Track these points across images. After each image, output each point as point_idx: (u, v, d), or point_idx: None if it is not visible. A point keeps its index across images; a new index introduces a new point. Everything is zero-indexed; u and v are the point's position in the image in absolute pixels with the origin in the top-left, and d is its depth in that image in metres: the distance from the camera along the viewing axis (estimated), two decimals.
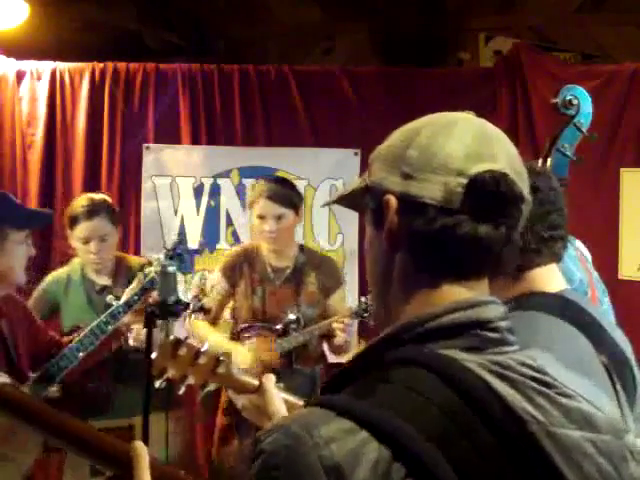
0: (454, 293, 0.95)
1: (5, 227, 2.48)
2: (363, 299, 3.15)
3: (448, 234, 0.93)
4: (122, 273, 3.10)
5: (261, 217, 3.13)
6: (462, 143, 0.94)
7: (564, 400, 0.91)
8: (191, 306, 2.59)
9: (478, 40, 4.81)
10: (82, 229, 3.04)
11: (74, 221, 3.06)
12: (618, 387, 1.42)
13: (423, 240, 0.94)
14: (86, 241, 3.06)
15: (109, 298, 2.77)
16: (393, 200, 0.96)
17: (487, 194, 0.92)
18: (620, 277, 3.88)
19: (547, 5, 4.64)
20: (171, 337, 1.83)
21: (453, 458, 0.82)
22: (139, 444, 0.98)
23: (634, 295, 3.81)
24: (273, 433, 0.84)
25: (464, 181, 0.92)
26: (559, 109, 2.07)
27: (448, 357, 0.89)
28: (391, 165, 0.97)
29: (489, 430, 0.85)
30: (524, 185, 0.97)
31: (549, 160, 2.04)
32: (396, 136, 1.00)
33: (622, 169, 3.91)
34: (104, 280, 3.12)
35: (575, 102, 2.06)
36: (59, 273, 3.23)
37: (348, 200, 1.09)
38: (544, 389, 0.90)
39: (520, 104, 4.15)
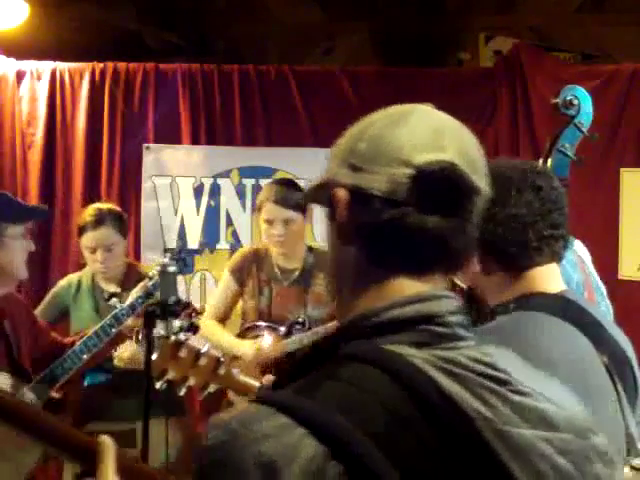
0: (405, 287, 0.93)
1: (1, 221, 2.50)
2: None
3: (395, 226, 0.91)
4: (132, 281, 3.10)
5: (269, 221, 3.12)
6: (411, 134, 0.93)
7: (518, 398, 0.89)
8: (182, 324, 2.58)
9: (478, 40, 4.81)
10: (88, 238, 3.09)
11: (82, 230, 3.11)
12: (619, 387, 1.42)
13: (371, 233, 0.94)
14: (93, 250, 3.11)
15: (113, 301, 2.80)
16: (341, 193, 0.95)
17: (433, 184, 0.91)
18: (620, 277, 3.88)
19: (547, 5, 4.64)
20: (172, 338, 1.83)
21: (395, 456, 0.80)
22: (105, 438, 0.97)
23: (634, 295, 3.81)
24: (215, 430, 0.83)
25: (410, 172, 0.91)
26: (560, 109, 2.07)
27: (393, 353, 0.87)
28: (343, 159, 0.97)
29: (434, 428, 0.83)
30: (480, 178, 0.95)
31: (549, 160, 2.04)
32: (352, 130, 1.00)
33: (622, 169, 3.91)
34: (113, 287, 3.14)
35: (576, 102, 2.06)
36: (71, 278, 3.27)
37: (313, 197, 1.09)
38: (495, 386, 0.88)
39: (520, 104, 4.15)
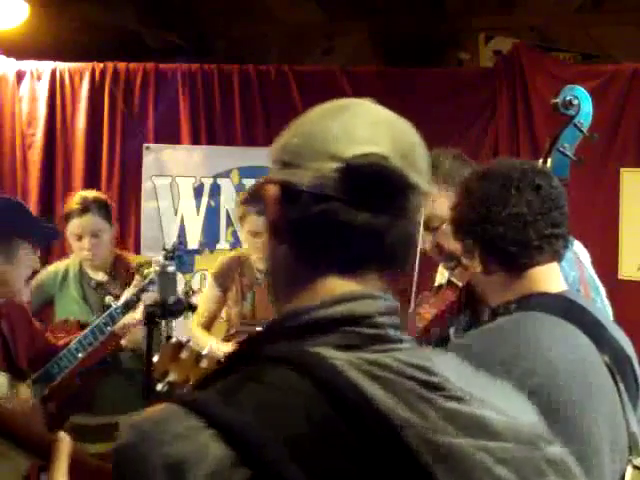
0: (335, 286, 0.89)
1: (18, 238, 2.47)
2: None
3: (322, 222, 0.87)
4: (120, 271, 3.11)
5: (256, 233, 3.06)
6: (342, 128, 0.90)
7: (452, 404, 0.83)
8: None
9: (478, 40, 4.81)
10: (75, 225, 3.08)
11: (67, 218, 3.10)
12: (620, 387, 1.42)
13: (300, 229, 0.90)
14: (79, 237, 3.09)
15: (108, 299, 2.80)
16: (272, 189, 0.92)
17: (362, 179, 0.87)
18: (620, 277, 3.88)
19: (547, 5, 4.64)
20: (173, 340, 1.83)
21: (310, 463, 0.76)
22: (62, 435, 0.96)
23: (634, 295, 3.81)
24: (126, 430, 0.82)
25: (338, 165, 0.87)
26: (559, 109, 2.07)
27: (316, 355, 0.83)
28: (277, 156, 0.95)
29: (356, 434, 0.78)
30: (418, 175, 0.91)
31: (549, 160, 2.04)
32: (290, 126, 0.97)
33: (622, 169, 3.91)
34: (100, 276, 3.14)
35: (575, 102, 2.05)
36: (58, 266, 3.25)
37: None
38: (425, 392, 0.83)
39: (520, 104, 4.15)
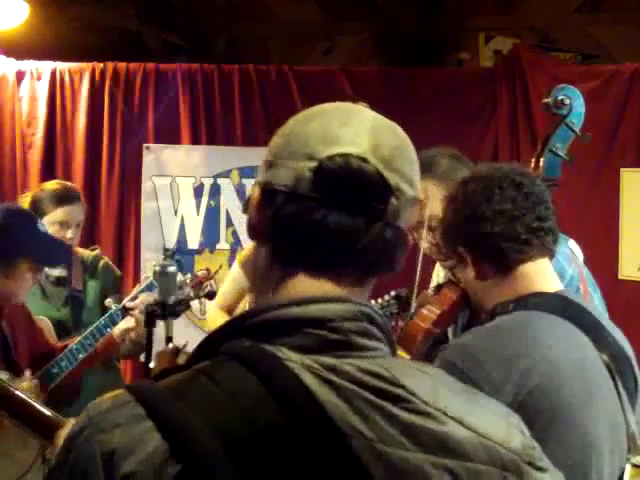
0: (305, 287, 0.87)
1: (19, 255, 2.33)
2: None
3: (295, 222, 0.86)
4: (76, 265, 3.00)
5: None
6: (322, 128, 0.88)
7: (412, 417, 0.80)
8: (193, 293, 2.55)
9: (478, 40, 4.80)
10: (62, 212, 2.86)
11: (50, 204, 2.86)
12: (620, 386, 1.42)
13: (274, 229, 0.89)
14: (66, 226, 2.88)
15: (108, 301, 2.77)
16: (256, 191, 0.91)
17: (337, 179, 0.85)
18: (620, 277, 3.88)
19: (547, 5, 4.63)
20: (170, 346, 1.83)
21: (248, 465, 0.75)
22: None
23: (634, 295, 3.81)
24: (82, 414, 0.82)
25: (312, 165, 0.85)
26: (550, 109, 2.06)
27: (271, 355, 0.81)
28: (265, 157, 0.93)
29: (301, 439, 0.76)
30: (399, 177, 0.87)
31: (541, 160, 2.03)
32: (280, 128, 0.96)
33: (622, 169, 3.91)
34: (57, 272, 3.00)
35: (567, 102, 2.04)
36: None
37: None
38: (383, 402, 0.80)
39: (520, 104, 4.15)
